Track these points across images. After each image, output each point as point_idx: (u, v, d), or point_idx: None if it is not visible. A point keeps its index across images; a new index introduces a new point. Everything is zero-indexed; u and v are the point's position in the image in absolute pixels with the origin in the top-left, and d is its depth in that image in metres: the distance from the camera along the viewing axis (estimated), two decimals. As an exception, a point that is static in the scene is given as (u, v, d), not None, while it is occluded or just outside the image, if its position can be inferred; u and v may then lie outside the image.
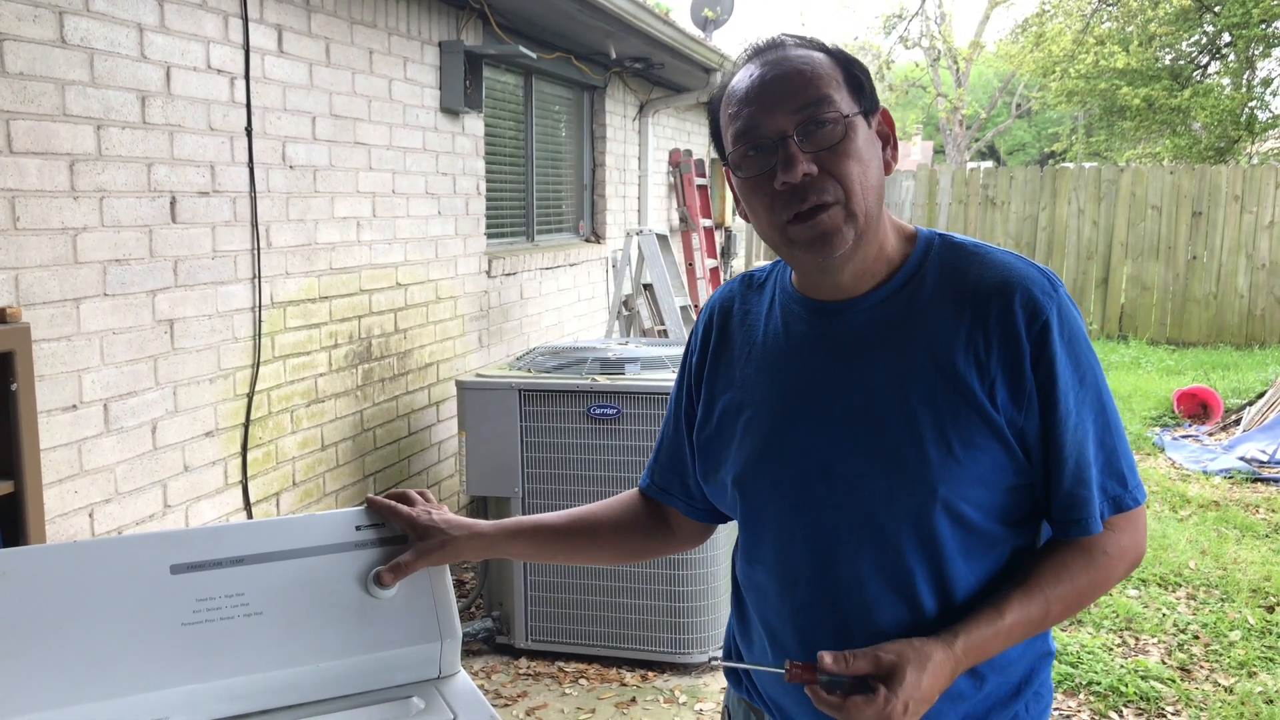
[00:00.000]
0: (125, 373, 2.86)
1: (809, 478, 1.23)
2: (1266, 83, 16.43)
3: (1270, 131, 16.52)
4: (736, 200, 1.27)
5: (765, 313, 1.33)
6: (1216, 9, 15.27)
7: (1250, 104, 15.79)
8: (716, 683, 3.60)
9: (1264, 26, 14.88)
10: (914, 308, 1.21)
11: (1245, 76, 16.26)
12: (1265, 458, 6.36)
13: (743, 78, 1.22)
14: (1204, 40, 16.37)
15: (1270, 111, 16.27)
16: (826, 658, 1.11)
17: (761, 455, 1.27)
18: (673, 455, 1.46)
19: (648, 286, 5.86)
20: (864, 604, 1.21)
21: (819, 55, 1.21)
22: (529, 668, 3.70)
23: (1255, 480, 6.05)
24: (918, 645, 1.12)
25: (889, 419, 1.18)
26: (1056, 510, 1.20)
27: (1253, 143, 16.53)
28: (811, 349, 1.26)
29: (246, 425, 3.35)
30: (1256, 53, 15.80)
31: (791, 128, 1.16)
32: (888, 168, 1.24)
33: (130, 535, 1.32)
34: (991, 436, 1.16)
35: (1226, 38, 15.73)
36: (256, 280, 3.36)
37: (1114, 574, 1.22)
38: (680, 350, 3.90)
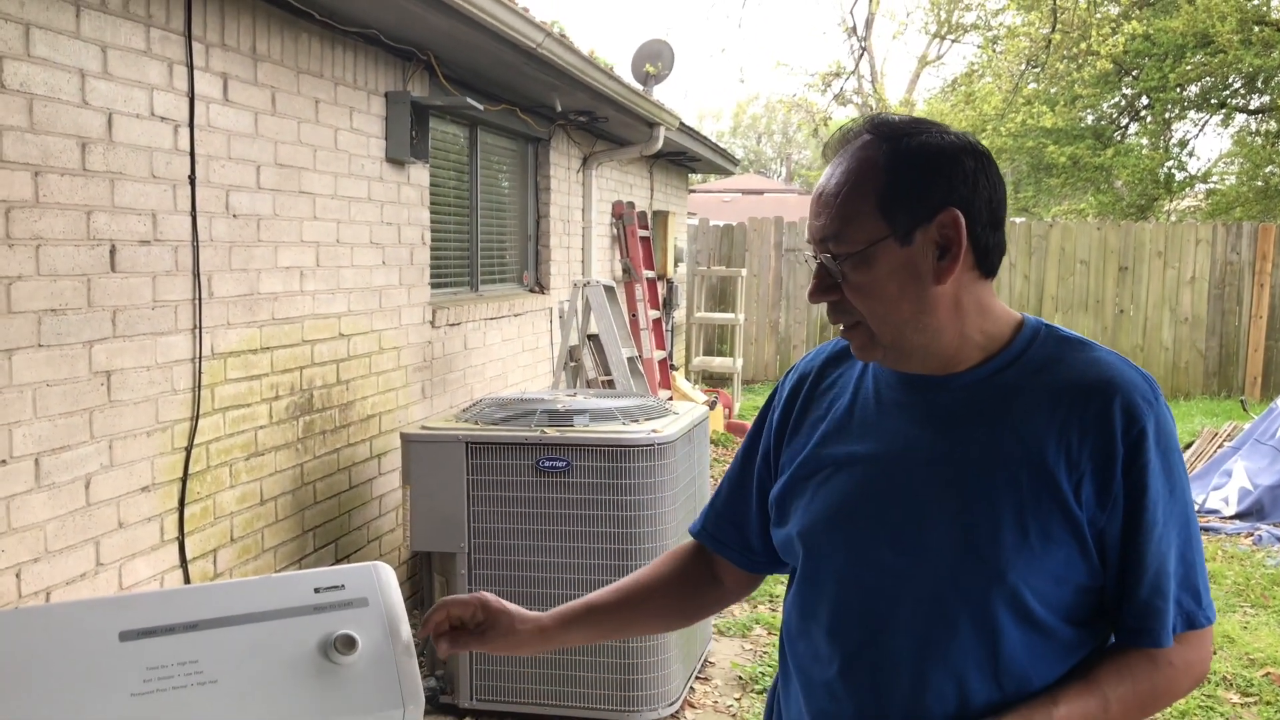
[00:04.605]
0: (59, 426, 2.76)
1: (877, 543, 1.21)
2: (1183, 143, 17.14)
3: (1187, 190, 17.20)
4: None
5: (858, 376, 1.33)
6: (1135, 73, 15.93)
7: (1168, 163, 16.45)
8: (666, 740, 3.54)
9: (1179, 90, 15.55)
10: (1012, 392, 1.20)
11: (1163, 137, 16.95)
12: (1195, 507, 6.51)
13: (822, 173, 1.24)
14: (1124, 102, 17.04)
15: (1187, 171, 16.96)
16: None
17: (834, 513, 1.25)
18: (733, 505, 1.43)
19: (592, 337, 5.85)
20: (911, 678, 1.18)
21: (868, 163, 1.17)
22: (474, 728, 3.61)
23: (1187, 528, 6.18)
24: None
25: (969, 496, 1.17)
26: (1127, 617, 1.18)
27: (1170, 200, 17.19)
28: (901, 417, 1.25)
29: (184, 479, 3.24)
30: (1173, 114, 16.50)
31: (816, 251, 1.20)
32: (942, 276, 1.17)
33: (75, 600, 1.26)
34: (1070, 532, 1.15)
35: (1145, 100, 16.40)
36: (197, 331, 3.28)
37: (1179, 687, 1.19)
38: (630, 401, 3.89)
